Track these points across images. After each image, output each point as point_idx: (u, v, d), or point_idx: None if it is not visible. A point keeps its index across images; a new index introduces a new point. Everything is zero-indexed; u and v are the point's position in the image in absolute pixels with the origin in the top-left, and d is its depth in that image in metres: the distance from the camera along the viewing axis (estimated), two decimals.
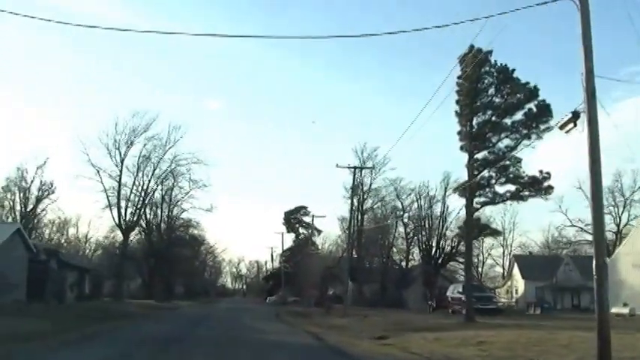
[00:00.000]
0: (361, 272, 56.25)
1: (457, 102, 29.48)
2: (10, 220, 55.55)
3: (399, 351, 16.93)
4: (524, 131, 28.75)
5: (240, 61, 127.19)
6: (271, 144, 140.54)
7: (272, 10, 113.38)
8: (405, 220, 61.18)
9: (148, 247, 63.91)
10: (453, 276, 63.37)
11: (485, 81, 29.33)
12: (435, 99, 23.54)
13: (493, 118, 29.38)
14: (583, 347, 14.75)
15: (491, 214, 55.78)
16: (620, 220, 57.60)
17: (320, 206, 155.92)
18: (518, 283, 57.62)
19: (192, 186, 59.13)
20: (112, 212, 52.32)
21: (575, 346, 16.00)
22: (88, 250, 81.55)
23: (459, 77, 29.05)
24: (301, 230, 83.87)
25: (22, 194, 59.16)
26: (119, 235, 56.64)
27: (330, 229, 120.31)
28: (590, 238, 59.39)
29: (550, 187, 28.75)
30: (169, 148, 55.08)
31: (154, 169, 55.43)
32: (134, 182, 53.98)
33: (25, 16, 11.90)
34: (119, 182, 52.30)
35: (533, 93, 28.82)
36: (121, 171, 52.39)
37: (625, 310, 34.80)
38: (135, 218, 54.88)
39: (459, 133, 29.63)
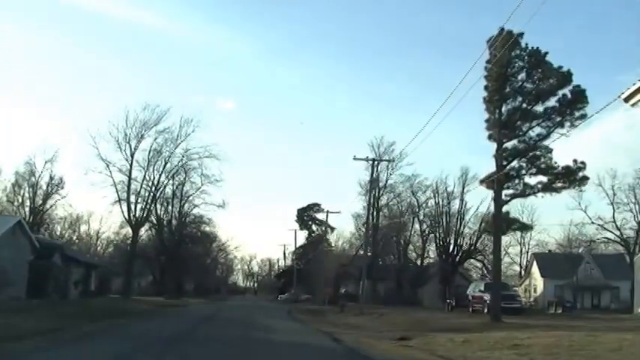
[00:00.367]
0: (376, 270, 54.58)
1: (485, 88, 27.68)
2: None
3: (425, 354, 15.22)
4: (558, 118, 26.81)
5: (252, 61, 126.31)
6: (284, 142, 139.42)
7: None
8: (421, 217, 59.40)
9: (159, 244, 62.53)
10: (469, 274, 61.92)
11: (516, 65, 27.42)
12: (453, 96, 21.43)
13: (523, 105, 27.47)
14: (637, 352, 13.13)
15: (508, 210, 54.08)
16: None
17: (333, 204, 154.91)
18: (537, 281, 55.74)
19: (204, 181, 57.48)
20: (121, 207, 51.08)
21: (627, 350, 14.26)
22: (99, 247, 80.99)
23: (487, 61, 27.24)
24: (314, 227, 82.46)
25: (31, 190, 58.11)
26: (129, 232, 55.37)
27: (343, 227, 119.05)
28: (610, 236, 57.98)
29: (585, 178, 26.86)
30: (181, 142, 53.37)
31: (165, 164, 53.83)
32: (144, 177, 52.57)
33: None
34: (129, 176, 50.97)
35: (566, 78, 26.88)
36: (131, 165, 51.02)
37: None
38: (145, 214, 53.45)
39: (487, 120, 27.79)
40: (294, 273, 75.92)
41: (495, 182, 26.89)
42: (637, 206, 54.21)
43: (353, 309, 41.01)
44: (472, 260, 60.89)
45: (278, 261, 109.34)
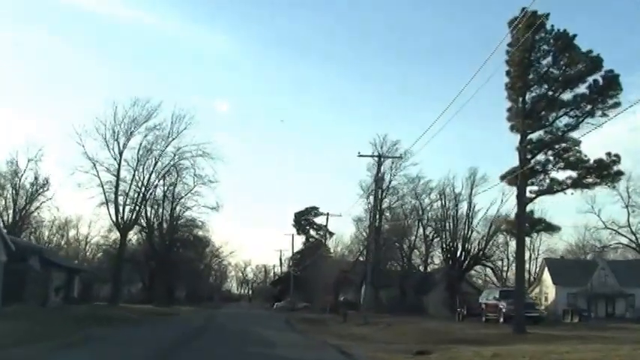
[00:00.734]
0: (379, 276, 51.83)
1: (507, 73, 25.13)
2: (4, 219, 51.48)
3: None
4: (588, 107, 24.23)
5: (247, 62, 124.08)
6: (280, 145, 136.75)
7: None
8: (425, 220, 56.51)
9: (149, 248, 59.57)
10: (473, 280, 59.31)
11: (541, 49, 24.85)
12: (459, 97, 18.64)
13: (549, 93, 24.89)
14: None
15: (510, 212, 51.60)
16: None
17: (331, 208, 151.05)
18: (549, 288, 52.88)
19: (197, 182, 54.62)
20: (108, 209, 48.29)
21: None
22: (89, 253, 78.08)
23: (509, 45, 24.69)
24: (312, 232, 79.77)
25: (14, 191, 54.98)
26: (118, 236, 52.33)
27: (342, 232, 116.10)
28: (624, 240, 55.57)
29: (620, 173, 24.27)
30: (172, 140, 50.59)
31: (156, 163, 51.04)
32: (133, 176, 49.82)
33: None
34: (117, 176, 48.18)
35: (596, 63, 24.31)
36: (119, 164, 48.33)
37: None
38: (134, 216, 50.56)
39: (509, 109, 25.22)
40: (290, 280, 73.22)
41: (519, 178, 24.25)
42: None
43: (356, 318, 38.93)
44: (477, 267, 58.19)
45: (274, 267, 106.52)
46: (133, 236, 58.45)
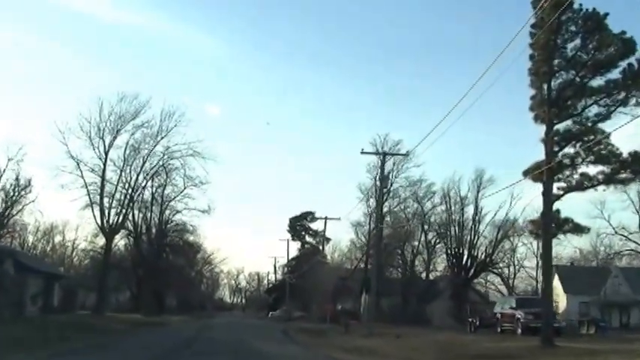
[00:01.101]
0: (380, 283, 49.14)
1: (530, 57, 22.70)
2: None
3: None
4: (621, 95, 21.85)
5: (238, 65, 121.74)
6: (275, 148, 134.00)
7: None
8: (427, 225, 53.72)
9: (136, 254, 56.59)
10: (477, 289, 56.66)
11: (568, 31, 22.48)
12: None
13: (577, 79, 22.50)
14: None
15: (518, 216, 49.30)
16: None
17: (328, 213, 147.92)
18: (560, 297, 50.34)
19: (187, 183, 51.64)
20: (93, 212, 45.13)
21: None
22: (76, 259, 74.96)
23: (532, 26, 22.30)
24: (308, 238, 76.97)
25: None
26: (104, 241, 49.35)
27: (339, 238, 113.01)
28: (635, 247, 53.08)
29: None
30: (161, 139, 47.48)
31: (144, 162, 47.78)
32: (120, 177, 46.60)
33: None
34: (102, 177, 45.10)
35: (629, 46, 21.93)
36: (104, 164, 45.11)
37: None
38: (120, 219, 47.53)
39: (533, 97, 22.77)
40: (286, 288, 70.29)
41: (545, 173, 21.76)
42: None
43: (358, 328, 36.26)
44: (482, 274, 55.54)
45: (268, 275, 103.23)
46: (119, 241, 55.34)
